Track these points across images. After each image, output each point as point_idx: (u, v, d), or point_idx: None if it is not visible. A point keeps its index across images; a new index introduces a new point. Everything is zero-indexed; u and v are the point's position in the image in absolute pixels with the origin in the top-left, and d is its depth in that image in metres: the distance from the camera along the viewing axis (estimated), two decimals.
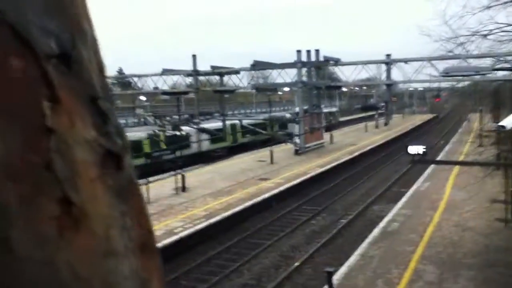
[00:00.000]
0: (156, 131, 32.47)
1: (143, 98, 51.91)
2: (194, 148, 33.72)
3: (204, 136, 34.59)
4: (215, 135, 35.22)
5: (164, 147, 30.36)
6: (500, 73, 25.71)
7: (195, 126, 34.92)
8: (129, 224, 0.51)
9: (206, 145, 35.67)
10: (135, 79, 40.42)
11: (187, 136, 32.99)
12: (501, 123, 11.28)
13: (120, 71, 54.44)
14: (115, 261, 0.49)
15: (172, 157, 27.08)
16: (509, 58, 21.06)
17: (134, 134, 30.33)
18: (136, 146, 28.71)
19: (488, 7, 16.01)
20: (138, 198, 0.54)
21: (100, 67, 0.53)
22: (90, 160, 0.48)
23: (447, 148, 39.41)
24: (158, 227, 17.19)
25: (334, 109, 69.06)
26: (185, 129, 34.10)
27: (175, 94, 41.14)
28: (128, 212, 0.51)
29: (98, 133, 0.50)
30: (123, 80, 43.15)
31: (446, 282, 12.44)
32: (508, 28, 16.88)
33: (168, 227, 17.22)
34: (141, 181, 22.20)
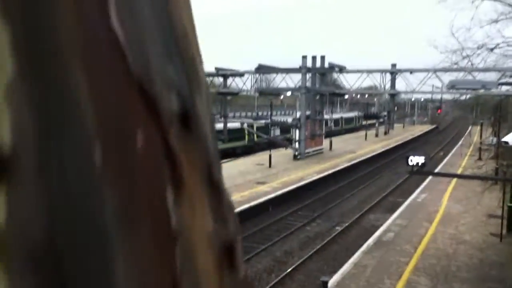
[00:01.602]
0: None
1: None
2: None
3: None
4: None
5: None
6: (504, 88, 25.72)
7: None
8: None
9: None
10: None
11: None
12: (504, 139, 11.17)
13: None
14: None
15: None
16: None
17: None
18: None
19: (496, 21, 16.05)
20: None
21: (212, 124, 0.41)
22: (211, 262, 0.37)
23: (446, 160, 39.37)
24: None
25: (358, 114, 77.73)
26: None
27: None
28: None
29: (215, 219, 0.38)
30: None
31: None
32: None
33: None
34: None
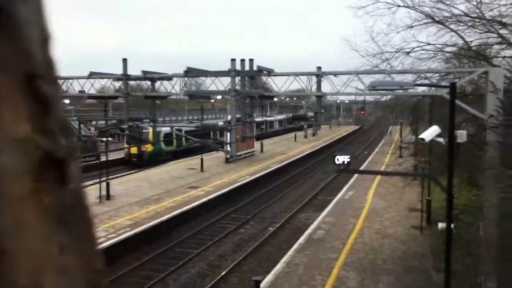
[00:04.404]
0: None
1: (66, 101, 49.29)
2: None
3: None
4: None
5: None
6: (420, 89, 27.50)
7: None
8: (73, 264, 0.36)
9: None
10: (60, 81, 38.32)
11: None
12: (420, 136, 11.97)
13: None
14: None
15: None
16: (428, 74, 22.59)
17: None
18: None
19: (411, 27, 17.15)
20: (87, 225, 0.38)
21: (45, 36, 0.37)
22: (20, 168, 0.34)
23: (370, 158, 41.31)
24: None
25: (286, 116, 75.42)
26: None
27: (102, 98, 39.55)
28: (72, 247, 0.36)
29: (35, 128, 0.35)
30: None
31: None
32: (428, 47, 18.17)
33: None
34: None
